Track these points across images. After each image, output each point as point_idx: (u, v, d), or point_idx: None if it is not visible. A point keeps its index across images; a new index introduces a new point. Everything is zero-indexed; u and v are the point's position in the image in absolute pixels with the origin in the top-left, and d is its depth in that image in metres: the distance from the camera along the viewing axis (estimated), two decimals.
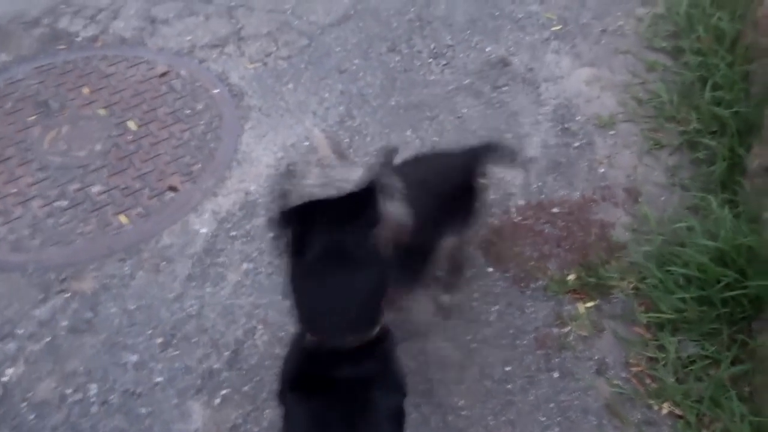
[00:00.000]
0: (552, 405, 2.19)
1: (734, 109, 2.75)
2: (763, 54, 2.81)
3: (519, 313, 2.42)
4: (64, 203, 2.76)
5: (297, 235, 1.49)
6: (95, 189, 2.80)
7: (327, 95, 3.22)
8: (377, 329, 1.56)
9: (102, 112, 3.09)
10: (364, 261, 1.49)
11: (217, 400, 2.20)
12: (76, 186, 2.81)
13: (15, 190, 2.79)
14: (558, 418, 2.16)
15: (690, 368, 2.20)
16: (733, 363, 2.18)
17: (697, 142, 2.86)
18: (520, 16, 3.63)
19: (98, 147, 2.95)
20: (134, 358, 2.30)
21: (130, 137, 2.99)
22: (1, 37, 3.54)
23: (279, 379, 1.64)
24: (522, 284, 2.50)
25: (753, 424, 2.02)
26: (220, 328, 2.38)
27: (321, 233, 1.48)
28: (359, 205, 1.49)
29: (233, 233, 2.66)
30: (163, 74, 3.28)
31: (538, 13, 3.64)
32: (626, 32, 3.51)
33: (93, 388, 2.23)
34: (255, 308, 2.43)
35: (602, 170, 2.89)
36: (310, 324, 1.54)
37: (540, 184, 2.84)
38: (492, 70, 3.34)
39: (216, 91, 3.20)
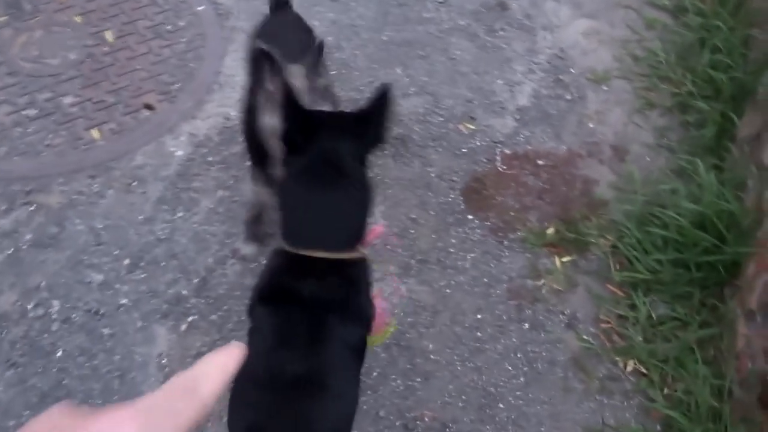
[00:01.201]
0: (520, 355, 2.20)
1: (731, 74, 2.70)
2: (766, 20, 2.75)
3: (495, 262, 2.40)
4: (33, 112, 2.63)
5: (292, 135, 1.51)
6: (67, 100, 2.67)
7: (317, 23, 3.09)
8: (354, 253, 1.54)
9: (78, 19, 2.92)
10: (357, 180, 1.52)
11: (183, 327, 2.16)
12: (46, 95, 2.67)
13: None
14: (524, 368, 2.17)
15: (659, 329, 2.22)
16: (701, 326, 2.19)
17: (688, 105, 2.82)
18: None
19: (72, 56, 2.80)
20: (99, 277, 2.24)
21: (106, 49, 2.84)
22: None
23: (252, 293, 1.61)
24: (500, 234, 2.47)
25: (714, 386, 2.05)
26: (190, 255, 2.32)
27: (321, 143, 1.50)
28: (365, 122, 1.53)
29: (210, 158, 2.57)
30: None
31: None
32: None
33: (55, 305, 2.17)
34: (227, 237, 2.37)
35: (591, 125, 2.84)
36: (291, 229, 1.52)
37: (528, 134, 2.78)
38: (489, 12, 3.22)
39: (200, 8, 3.05)
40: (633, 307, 2.28)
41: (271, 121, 1.72)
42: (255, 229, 2.29)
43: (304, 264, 1.50)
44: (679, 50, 3.02)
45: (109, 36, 2.88)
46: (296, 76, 1.75)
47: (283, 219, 1.55)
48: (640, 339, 2.20)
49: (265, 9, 2.34)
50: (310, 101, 1.70)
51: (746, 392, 1.97)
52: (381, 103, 1.56)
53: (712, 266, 2.22)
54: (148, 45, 2.88)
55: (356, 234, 1.55)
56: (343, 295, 1.53)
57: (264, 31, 2.16)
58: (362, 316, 1.58)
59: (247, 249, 2.31)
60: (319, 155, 1.50)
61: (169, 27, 2.96)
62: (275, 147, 1.71)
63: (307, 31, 2.28)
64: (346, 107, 2.71)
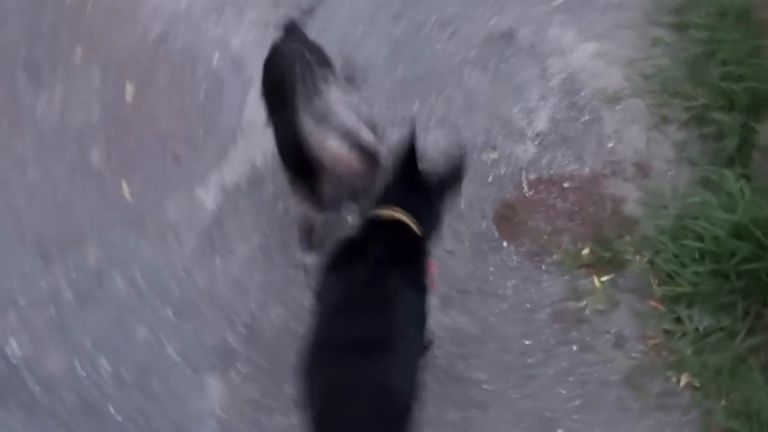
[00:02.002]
0: (572, 378, 2.20)
1: (744, 84, 2.75)
2: None
3: (535, 287, 2.41)
4: (61, 169, 2.64)
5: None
6: (94, 155, 2.68)
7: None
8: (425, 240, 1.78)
9: (97, 72, 2.95)
10: (437, 201, 1.88)
11: (235, 376, 2.14)
12: (73, 151, 2.69)
13: (8, 154, 2.66)
14: (579, 391, 2.17)
15: (706, 340, 2.22)
16: (748, 335, 2.20)
17: (705, 118, 2.86)
18: None
19: (94, 110, 2.82)
20: (145, 332, 2.23)
21: (128, 102, 2.87)
22: None
23: (322, 260, 1.77)
24: (537, 258, 2.48)
25: None
26: (232, 303, 2.31)
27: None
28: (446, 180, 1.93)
29: (240, 205, 2.58)
30: (160, 37, 3.14)
31: None
32: (629, 5, 3.48)
33: (104, 364, 2.15)
34: (268, 283, 2.36)
35: (611, 145, 2.87)
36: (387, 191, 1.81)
37: (550, 158, 2.82)
38: (497, 43, 3.28)
39: (216, 57, 3.08)
40: (677, 320, 2.29)
41: (312, 126, 1.76)
42: (310, 238, 2.33)
43: (382, 227, 1.70)
44: (687, 65, 3.07)
45: (129, 88, 2.91)
46: (330, 83, 1.81)
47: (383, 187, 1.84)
48: (690, 352, 2.20)
49: None
50: (346, 112, 1.78)
51: None
52: (458, 167, 1.94)
53: (753, 274, 2.24)
54: (168, 96, 2.91)
55: (430, 220, 1.82)
56: (409, 257, 1.70)
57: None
58: (424, 285, 1.72)
59: (308, 258, 2.33)
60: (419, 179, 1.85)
61: (187, 77, 2.99)
62: (327, 153, 1.75)
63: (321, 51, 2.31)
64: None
